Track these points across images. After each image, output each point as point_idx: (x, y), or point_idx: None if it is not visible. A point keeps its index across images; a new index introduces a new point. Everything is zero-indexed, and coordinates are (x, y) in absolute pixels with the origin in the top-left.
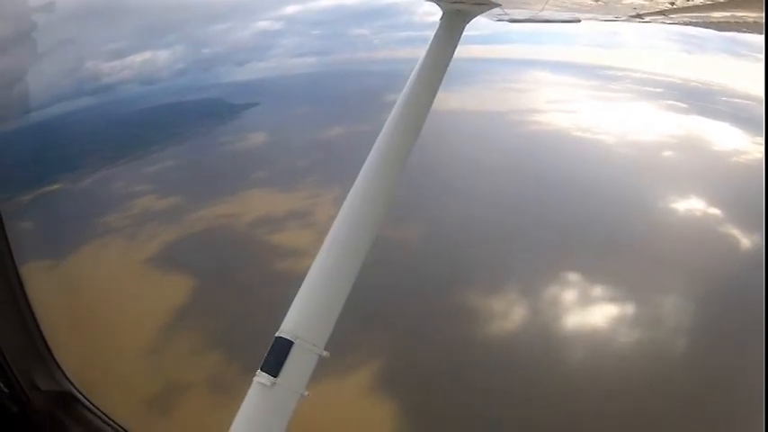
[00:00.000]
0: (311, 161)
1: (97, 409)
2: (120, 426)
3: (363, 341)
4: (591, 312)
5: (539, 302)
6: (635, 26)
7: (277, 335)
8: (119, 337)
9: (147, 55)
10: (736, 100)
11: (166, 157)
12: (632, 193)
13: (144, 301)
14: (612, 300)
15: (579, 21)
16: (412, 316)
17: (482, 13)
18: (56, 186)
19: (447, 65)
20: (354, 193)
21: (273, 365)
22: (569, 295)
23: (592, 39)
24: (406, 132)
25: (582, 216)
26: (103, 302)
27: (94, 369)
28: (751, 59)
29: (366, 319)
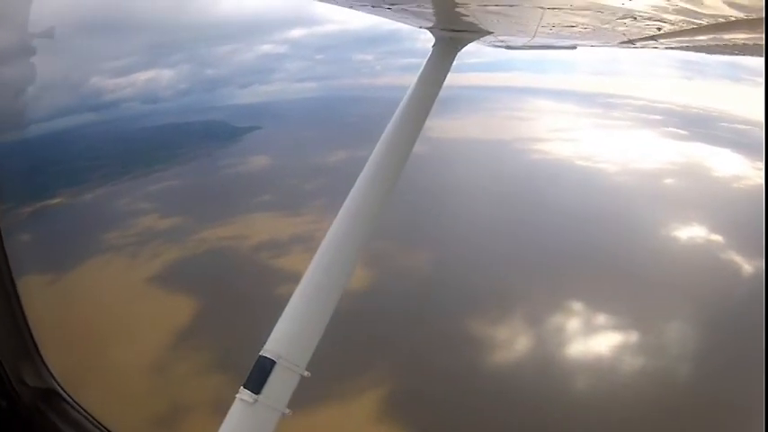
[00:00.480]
0: (315, 186)
1: (83, 409)
2: (106, 428)
3: (370, 367)
4: (595, 340)
5: (543, 331)
6: (635, 53)
7: (260, 353)
8: (122, 355)
9: (151, 73)
10: (736, 125)
11: (170, 176)
12: (634, 221)
13: (147, 320)
14: (616, 328)
15: (575, 47)
16: (418, 343)
17: (474, 40)
18: (57, 200)
19: (438, 91)
20: (340, 218)
21: (256, 383)
22: (573, 323)
23: (593, 66)
24: (395, 158)
25: (585, 244)
26: (106, 320)
27: (97, 387)
28: (751, 84)
29: (372, 345)
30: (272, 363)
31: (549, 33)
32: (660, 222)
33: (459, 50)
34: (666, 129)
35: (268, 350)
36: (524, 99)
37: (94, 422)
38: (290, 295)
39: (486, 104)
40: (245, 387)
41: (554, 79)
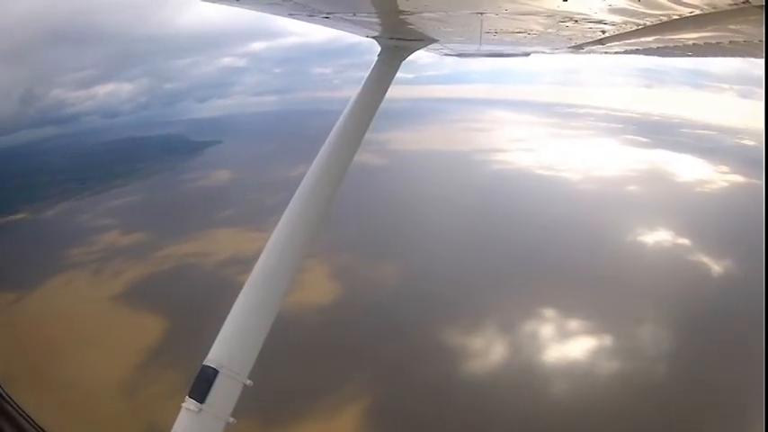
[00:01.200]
0: (277, 200)
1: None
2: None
3: (347, 381)
4: (569, 346)
5: (517, 338)
6: (593, 62)
7: (204, 363)
8: (91, 378)
9: (111, 86)
10: (697, 131)
11: (130, 191)
12: (600, 228)
13: (115, 340)
14: (590, 332)
15: (529, 55)
16: (393, 354)
17: (420, 48)
18: (19, 216)
19: (381, 99)
20: (280, 229)
21: (200, 392)
22: (547, 330)
23: (552, 77)
24: (337, 166)
25: (553, 252)
26: (72, 341)
27: (67, 411)
28: (712, 90)
29: (348, 359)
30: (215, 372)
31: (495, 40)
32: (626, 228)
33: (405, 59)
34: (627, 137)
35: (211, 359)
36: (483, 110)
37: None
38: None
39: (445, 116)
40: (189, 396)
41: (513, 90)
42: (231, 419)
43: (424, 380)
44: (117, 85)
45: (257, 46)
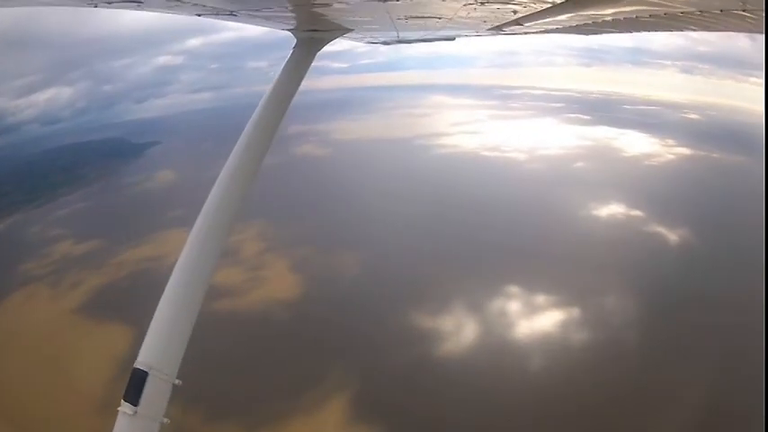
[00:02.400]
0: None
1: None
2: None
3: (327, 374)
4: (539, 320)
5: (487, 317)
6: (532, 44)
7: (134, 365)
8: (64, 399)
9: (51, 92)
10: (639, 107)
11: (76, 199)
12: (553, 205)
13: (83, 356)
14: (556, 306)
15: (454, 39)
16: (367, 343)
17: (335, 38)
18: None
19: (296, 90)
20: (196, 231)
21: (133, 395)
22: (514, 307)
23: (489, 60)
24: (253, 158)
25: (509, 232)
26: (40, 361)
27: None
28: (655, 66)
29: (323, 351)
30: (145, 374)
31: (410, 26)
32: (579, 204)
33: (320, 50)
34: (569, 115)
35: (141, 362)
36: (421, 96)
37: None
38: (225, 310)
39: (383, 104)
40: (124, 400)
41: (449, 74)
42: (165, 420)
43: (401, 365)
44: (57, 91)
45: (193, 42)
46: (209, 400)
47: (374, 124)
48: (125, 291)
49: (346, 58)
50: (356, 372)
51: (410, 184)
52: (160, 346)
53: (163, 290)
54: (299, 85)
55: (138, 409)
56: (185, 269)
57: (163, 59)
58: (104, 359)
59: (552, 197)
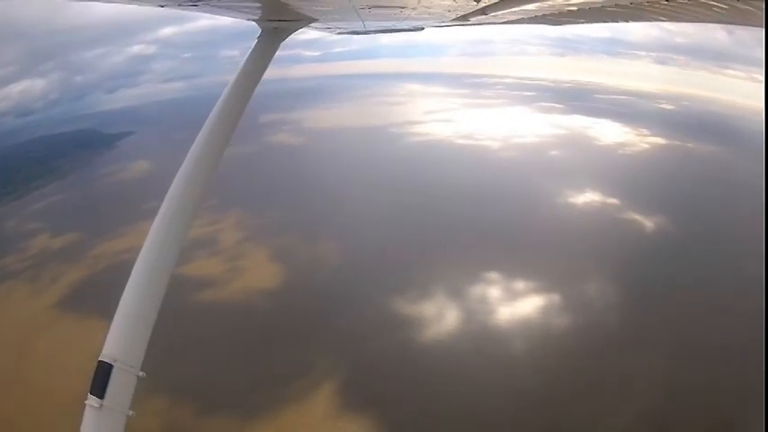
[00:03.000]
0: None
1: None
2: None
3: (314, 362)
4: (519, 305)
5: (468, 303)
6: (506, 35)
7: (99, 358)
8: (51, 399)
9: (24, 84)
10: (613, 96)
11: (51, 192)
12: (529, 192)
13: (67, 352)
14: (536, 291)
15: (422, 29)
16: (351, 331)
17: (300, 28)
18: None
19: (259, 80)
20: (159, 219)
21: (99, 388)
22: (495, 293)
23: (461, 49)
24: (215, 148)
25: (486, 219)
26: (25, 359)
27: None
28: (630, 57)
29: (308, 340)
30: (110, 366)
31: (374, 15)
32: (555, 192)
33: (284, 40)
34: (541, 104)
35: (105, 354)
36: (394, 84)
37: None
38: (207, 301)
39: (356, 92)
40: (91, 393)
41: (422, 63)
42: (130, 412)
43: (386, 352)
44: (30, 83)
45: (167, 31)
46: (198, 393)
47: (348, 112)
48: (104, 284)
49: (319, 47)
50: (342, 359)
51: (385, 173)
52: (124, 338)
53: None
54: (262, 75)
55: (105, 401)
56: (147, 261)
57: (136, 48)
58: (87, 354)
59: (528, 185)
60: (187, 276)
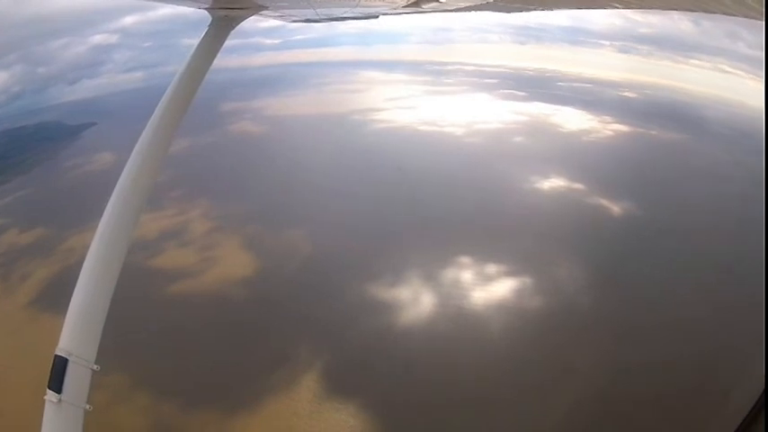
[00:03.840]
0: (166, 177)
1: None
2: None
3: (294, 351)
4: (493, 288)
5: (443, 287)
6: (467, 23)
7: (55, 353)
8: (27, 404)
9: None
10: (574, 84)
11: (15, 187)
12: (495, 178)
13: (41, 353)
14: (508, 274)
15: (377, 17)
16: (329, 318)
17: (250, 16)
18: None
19: (209, 68)
20: (109, 212)
21: (56, 383)
22: (467, 276)
23: (422, 36)
24: (163, 138)
25: (451, 205)
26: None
27: None
28: (591, 45)
29: (287, 330)
30: (65, 361)
31: (324, 2)
32: (520, 177)
33: (234, 28)
34: (503, 91)
35: (61, 349)
36: (353, 72)
37: None
38: (182, 293)
39: (315, 80)
40: (49, 388)
41: (381, 51)
42: (87, 406)
43: (365, 337)
44: None
45: (129, 20)
46: (181, 386)
47: (309, 100)
48: (77, 279)
49: (279, 35)
50: (323, 346)
51: (349, 160)
52: (78, 332)
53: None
54: (212, 62)
55: (62, 396)
56: (97, 254)
57: (98, 38)
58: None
59: (493, 170)
60: (159, 268)
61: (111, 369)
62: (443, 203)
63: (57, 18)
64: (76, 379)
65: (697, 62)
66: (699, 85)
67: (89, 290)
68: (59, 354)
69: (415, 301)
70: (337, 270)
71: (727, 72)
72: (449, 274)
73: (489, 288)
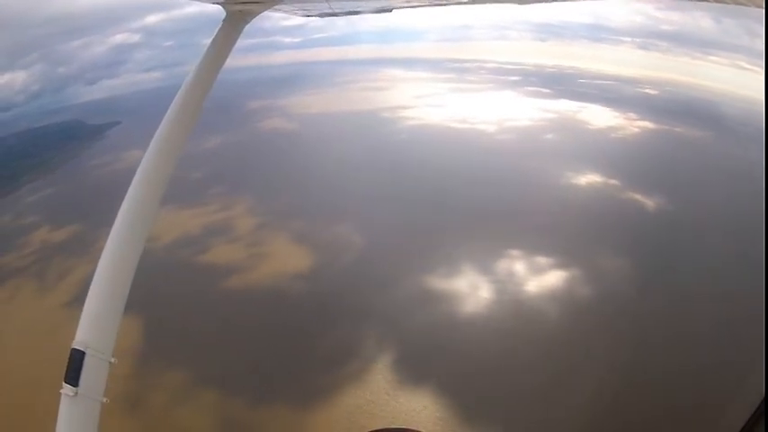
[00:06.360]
0: (202, 174)
1: None
2: None
3: (362, 341)
4: (545, 278)
5: (498, 277)
6: (486, 20)
7: (72, 346)
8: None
9: (5, 78)
10: (596, 81)
11: (42, 186)
12: (532, 174)
13: None
14: (558, 266)
15: (391, 11)
16: (391, 308)
17: (264, 10)
18: None
19: (224, 63)
20: (126, 207)
21: (73, 376)
22: (520, 267)
23: (441, 34)
24: (179, 132)
25: (497, 200)
26: (45, 374)
27: None
28: (611, 42)
29: (351, 321)
30: (82, 354)
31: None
32: (557, 173)
33: (249, 22)
34: (527, 88)
35: (78, 341)
36: (374, 70)
37: None
38: (237, 288)
39: (338, 78)
40: (65, 381)
41: (400, 48)
42: (104, 399)
43: (431, 326)
44: (11, 76)
45: (152, 19)
46: (246, 383)
47: (334, 97)
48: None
49: (299, 33)
50: (388, 337)
51: (387, 156)
52: (94, 325)
53: (154, 270)
54: (226, 59)
55: (79, 389)
56: (114, 249)
57: (120, 37)
58: (116, 354)
59: (529, 167)
60: (210, 264)
61: (170, 368)
62: (484, 199)
63: (80, 16)
64: (94, 372)
65: (716, 59)
66: (717, 81)
67: (106, 283)
68: (76, 347)
69: (473, 291)
70: (392, 263)
71: (744, 69)
72: (502, 265)
73: (542, 279)
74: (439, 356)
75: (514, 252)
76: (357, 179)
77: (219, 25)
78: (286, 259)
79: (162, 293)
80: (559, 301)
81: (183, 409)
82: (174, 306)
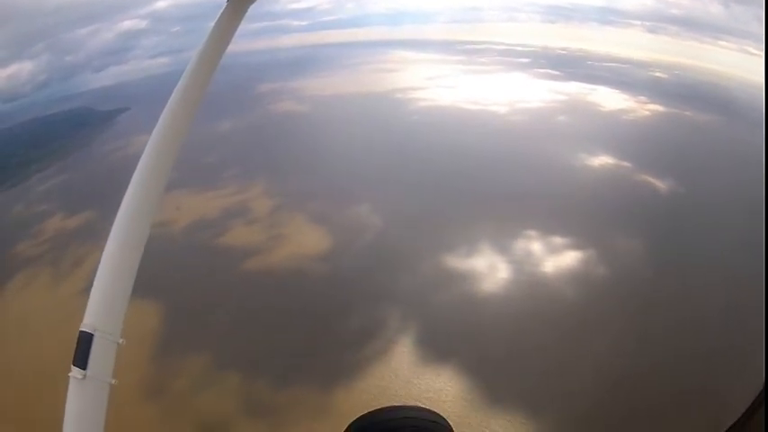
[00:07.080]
0: (216, 157)
1: None
2: None
3: (384, 321)
4: (562, 258)
5: (516, 257)
6: (495, 1)
7: (80, 328)
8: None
9: (13, 68)
10: (605, 64)
11: (53, 173)
12: (545, 155)
13: None
14: (574, 246)
15: None
16: (412, 287)
17: None
18: None
19: (227, 45)
20: (132, 189)
21: (81, 359)
22: (537, 247)
23: (449, 16)
24: (184, 115)
25: (511, 181)
26: (55, 356)
27: None
28: (619, 25)
29: (372, 301)
30: (91, 336)
31: None
32: (570, 155)
33: (253, 2)
34: (537, 70)
35: (86, 324)
36: (384, 51)
37: None
38: (257, 270)
39: (348, 60)
40: (74, 364)
41: (409, 30)
42: (113, 381)
43: (452, 304)
44: (19, 66)
45: (161, 4)
46: (268, 366)
47: (345, 80)
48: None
49: (308, 16)
50: (409, 316)
51: (402, 137)
52: (102, 306)
53: (173, 254)
54: (230, 41)
55: (88, 372)
56: (121, 229)
57: (127, 24)
58: (134, 340)
59: (541, 148)
60: (229, 246)
61: (191, 352)
62: (499, 179)
63: (88, 3)
64: (102, 354)
65: (724, 43)
66: (725, 65)
67: (113, 265)
68: (84, 329)
69: (493, 270)
70: (411, 243)
71: (752, 54)
72: (519, 245)
73: (558, 259)
74: (461, 336)
75: (531, 232)
76: (370, 160)
77: (223, 7)
78: (304, 240)
79: (181, 277)
80: (576, 279)
81: (206, 394)
82: (194, 290)
